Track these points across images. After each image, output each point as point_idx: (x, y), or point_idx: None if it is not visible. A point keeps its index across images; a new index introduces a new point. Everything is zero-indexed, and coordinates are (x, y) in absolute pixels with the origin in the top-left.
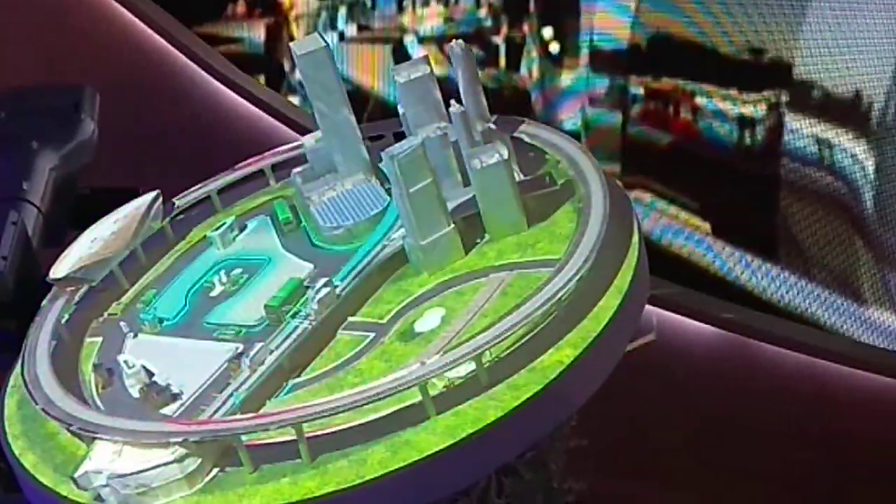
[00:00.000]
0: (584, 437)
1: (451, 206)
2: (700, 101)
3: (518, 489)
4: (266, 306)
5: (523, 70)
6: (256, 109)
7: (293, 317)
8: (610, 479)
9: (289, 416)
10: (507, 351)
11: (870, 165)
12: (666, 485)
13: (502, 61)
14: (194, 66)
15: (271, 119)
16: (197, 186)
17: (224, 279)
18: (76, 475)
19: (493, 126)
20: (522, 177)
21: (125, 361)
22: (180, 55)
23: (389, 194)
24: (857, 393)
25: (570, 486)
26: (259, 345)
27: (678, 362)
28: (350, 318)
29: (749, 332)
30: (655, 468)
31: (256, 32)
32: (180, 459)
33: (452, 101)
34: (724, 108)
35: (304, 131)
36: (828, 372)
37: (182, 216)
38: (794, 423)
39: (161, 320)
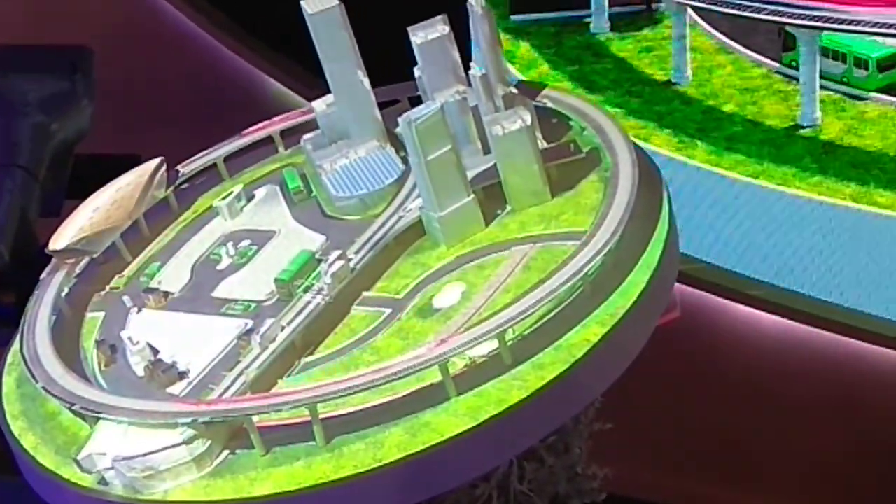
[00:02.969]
0: (609, 420)
1: (470, 174)
2: None
3: (540, 474)
4: (276, 280)
5: None
6: (261, 72)
7: (305, 291)
8: (635, 464)
9: (302, 396)
10: (531, 328)
11: None
12: (692, 471)
13: None
14: (194, 25)
15: (277, 82)
16: (202, 153)
17: (231, 251)
18: (79, 457)
19: (514, 90)
20: (546, 144)
21: (129, 338)
22: (179, 13)
23: (405, 162)
24: (887, 371)
25: (594, 472)
26: (270, 321)
27: (704, 340)
28: (365, 293)
29: (776, 309)
30: (682, 453)
31: None
32: (188, 441)
33: (472, 64)
34: None
35: (313, 95)
36: (856, 350)
37: (187, 185)
38: (825, 401)
39: (166, 294)
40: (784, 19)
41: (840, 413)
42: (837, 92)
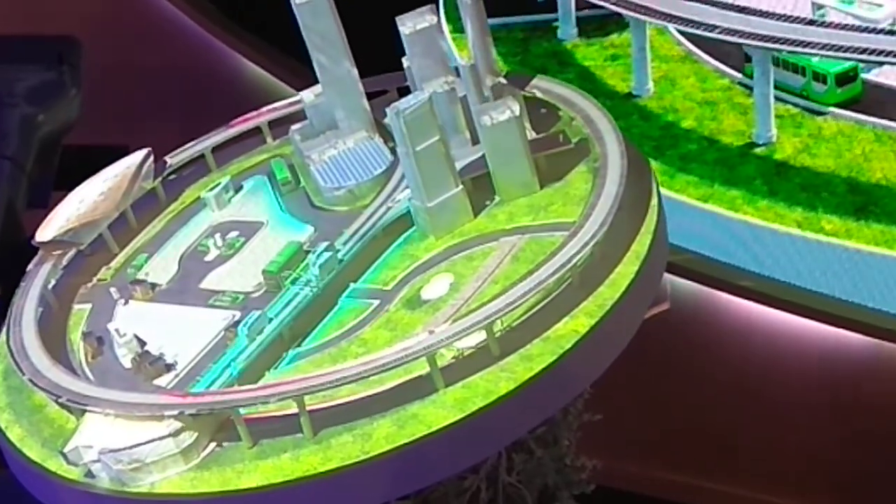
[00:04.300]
0: (598, 412)
1: (459, 165)
2: None
3: (529, 466)
4: (264, 272)
5: None
6: (249, 62)
7: (293, 283)
8: (624, 456)
9: (290, 388)
10: (520, 320)
11: None
12: (681, 463)
13: None
14: (182, 15)
15: (265, 72)
16: (190, 144)
17: (219, 243)
18: (66, 450)
19: (503, 81)
20: (535, 135)
21: (116, 330)
22: (166, 3)
23: (394, 153)
24: (880, 364)
25: (583, 463)
26: (257, 312)
27: (694, 332)
28: (353, 285)
29: (766, 301)
30: (671, 445)
31: None
32: (175, 433)
33: (460, 54)
34: None
35: (301, 85)
36: (849, 342)
37: (174, 176)
38: (814, 394)
39: (153, 286)
40: (736, 38)
41: (828, 403)
42: (797, 106)
